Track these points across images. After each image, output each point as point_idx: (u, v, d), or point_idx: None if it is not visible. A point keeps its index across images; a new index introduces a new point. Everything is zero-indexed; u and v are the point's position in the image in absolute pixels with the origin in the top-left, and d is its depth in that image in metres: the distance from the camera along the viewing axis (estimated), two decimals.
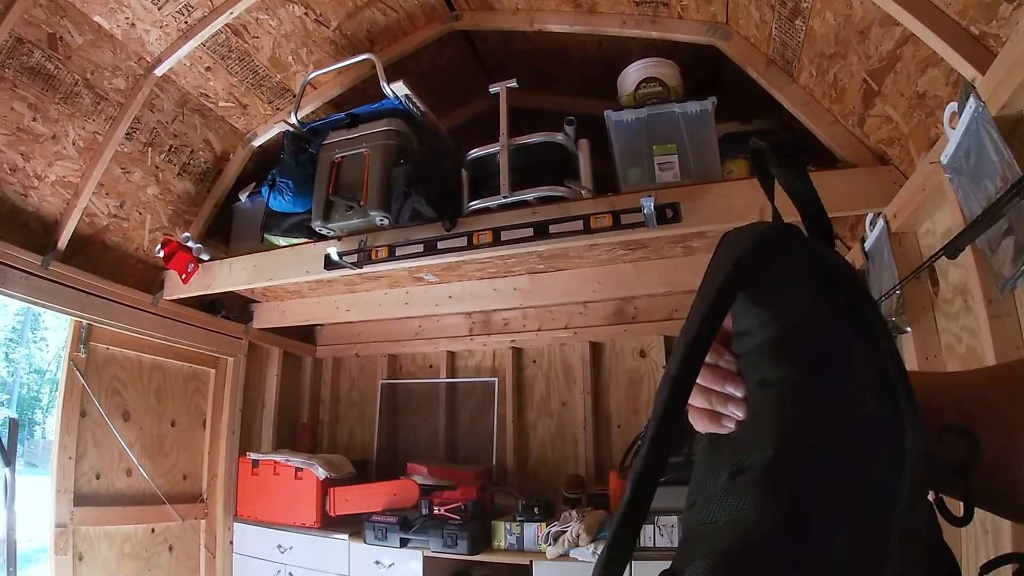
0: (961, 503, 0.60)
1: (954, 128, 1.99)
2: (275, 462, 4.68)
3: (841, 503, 0.49)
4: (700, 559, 0.47)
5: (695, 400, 0.66)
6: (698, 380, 0.63)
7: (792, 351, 0.58)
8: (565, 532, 3.86)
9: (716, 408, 0.65)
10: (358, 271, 3.64)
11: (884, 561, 0.46)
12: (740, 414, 0.60)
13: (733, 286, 0.53)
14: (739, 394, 0.61)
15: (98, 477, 4.03)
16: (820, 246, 0.63)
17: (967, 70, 1.97)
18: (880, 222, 2.76)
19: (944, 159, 2.07)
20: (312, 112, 4.16)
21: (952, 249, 2.09)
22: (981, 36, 1.95)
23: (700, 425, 0.67)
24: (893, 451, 0.50)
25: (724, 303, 0.53)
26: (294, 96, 3.98)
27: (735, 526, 0.49)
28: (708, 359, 0.65)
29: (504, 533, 4.21)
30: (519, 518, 4.21)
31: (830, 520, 0.48)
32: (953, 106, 2.01)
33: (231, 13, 3.41)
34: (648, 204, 2.95)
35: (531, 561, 3.99)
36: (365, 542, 4.29)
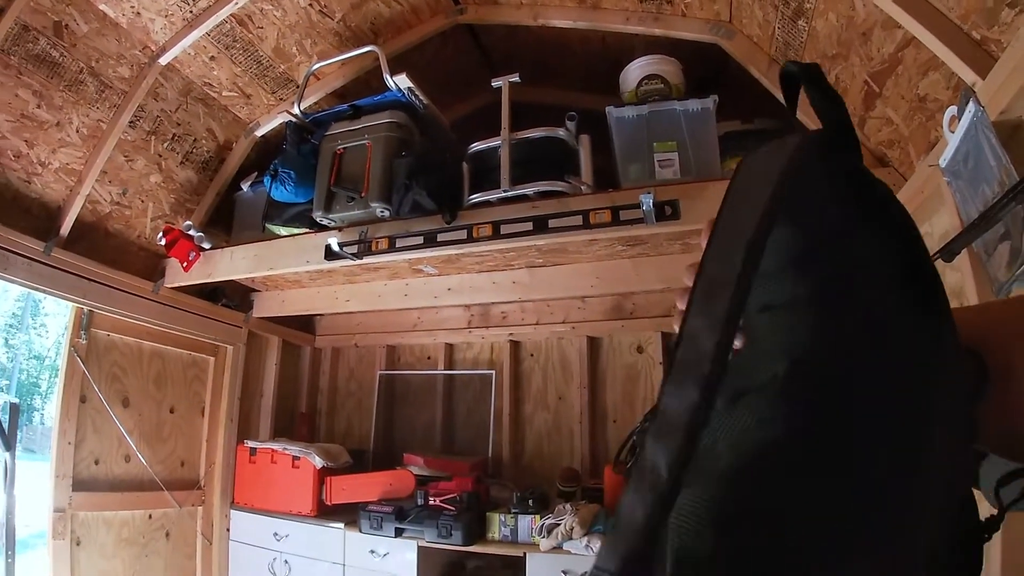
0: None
1: (953, 132, 2.00)
2: (272, 450, 4.69)
3: (867, 413, 0.45)
4: (694, 487, 0.43)
5: (682, 305, 0.64)
6: (687, 281, 0.63)
7: (810, 266, 0.55)
8: (559, 525, 3.88)
9: None
10: (358, 262, 3.65)
11: (915, 481, 0.44)
12: (738, 343, 0.59)
13: (785, 189, 0.46)
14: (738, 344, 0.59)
15: (97, 463, 4.05)
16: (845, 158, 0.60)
17: (968, 74, 1.98)
18: None
19: (943, 162, 2.08)
20: (315, 103, 4.18)
21: (948, 252, 2.10)
22: (982, 41, 1.96)
23: None
24: (922, 362, 0.48)
25: (776, 210, 0.46)
26: (297, 87, 3.99)
27: (737, 445, 0.46)
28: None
29: (498, 525, 4.22)
30: (513, 510, 4.22)
31: (859, 431, 0.44)
32: (953, 110, 2.02)
33: (236, 3, 3.43)
34: (647, 201, 2.96)
35: (524, 553, 4.00)
36: (360, 531, 4.30)
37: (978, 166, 1.89)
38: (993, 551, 2.06)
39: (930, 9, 2.03)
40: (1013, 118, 1.83)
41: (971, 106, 1.90)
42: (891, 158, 2.77)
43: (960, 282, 2.32)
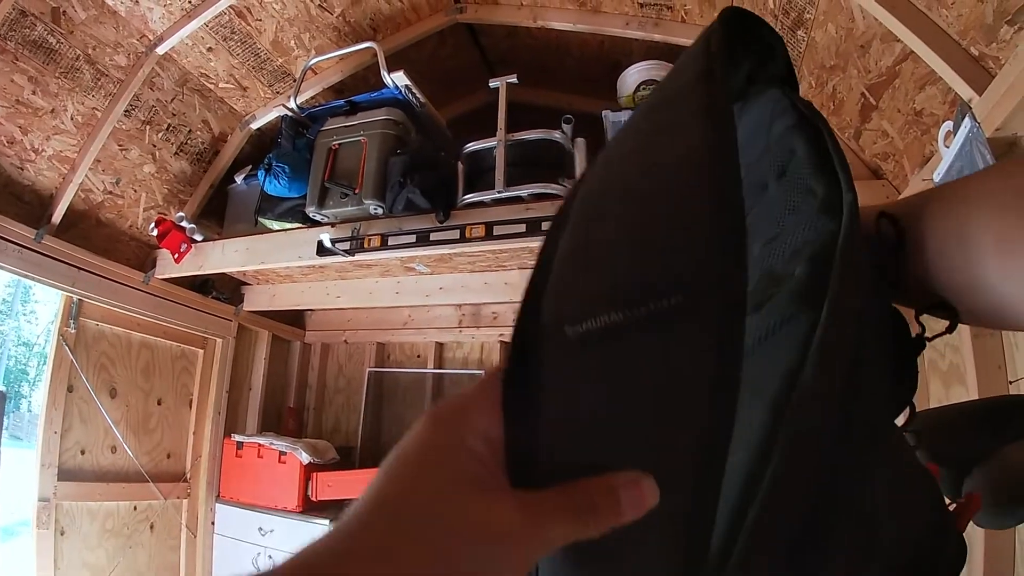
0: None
1: (948, 147, 2.01)
2: (259, 445, 4.68)
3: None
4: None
5: None
6: None
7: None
8: None
9: None
10: (350, 259, 3.64)
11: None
12: None
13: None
14: None
15: (83, 453, 4.03)
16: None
17: (964, 90, 1.99)
18: None
19: (936, 176, 2.09)
20: (312, 97, 4.17)
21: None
22: (980, 57, 1.97)
23: None
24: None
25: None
26: (294, 80, 3.98)
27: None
28: None
29: None
30: None
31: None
32: (948, 125, 2.03)
33: None
34: None
35: None
36: None
37: None
38: (975, 561, 2.07)
39: (929, 24, 2.03)
40: (1008, 135, 1.84)
41: (967, 122, 1.91)
42: (885, 171, 2.77)
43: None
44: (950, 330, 0.57)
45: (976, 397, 2.10)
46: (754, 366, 0.48)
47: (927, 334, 0.60)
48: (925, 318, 0.59)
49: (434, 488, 0.39)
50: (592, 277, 0.41)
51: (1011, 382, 2.11)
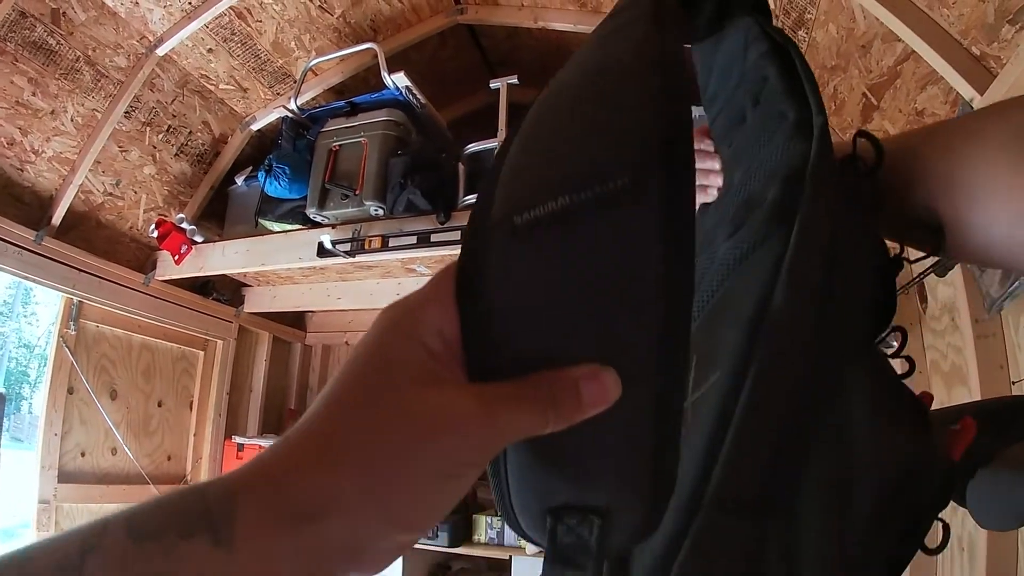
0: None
1: None
2: (260, 447, 4.66)
3: None
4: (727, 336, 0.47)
5: None
6: None
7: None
8: None
9: (702, 183, 0.76)
10: (351, 260, 3.64)
11: None
12: (719, 181, 0.66)
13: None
14: (716, 166, 0.68)
15: (83, 455, 4.02)
16: None
17: (966, 90, 1.99)
18: None
19: None
20: (312, 98, 4.16)
21: (941, 267, 2.10)
22: (981, 57, 1.96)
23: (697, 199, 0.72)
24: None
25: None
26: (295, 82, 3.97)
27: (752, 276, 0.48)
28: None
29: (485, 527, 4.23)
30: (501, 514, 4.21)
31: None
32: None
33: None
34: None
35: (510, 556, 4.01)
36: None
37: None
38: (977, 560, 2.07)
39: (930, 24, 2.03)
40: None
41: None
42: None
43: (953, 296, 2.33)
44: (934, 253, 0.58)
45: (978, 398, 2.10)
46: (732, 289, 0.50)
47: (906, 256, 0.61)
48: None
49: (385, 383, 0.38)
50: (538, 166, 0.41)
51: (1014, 383, 2.11)
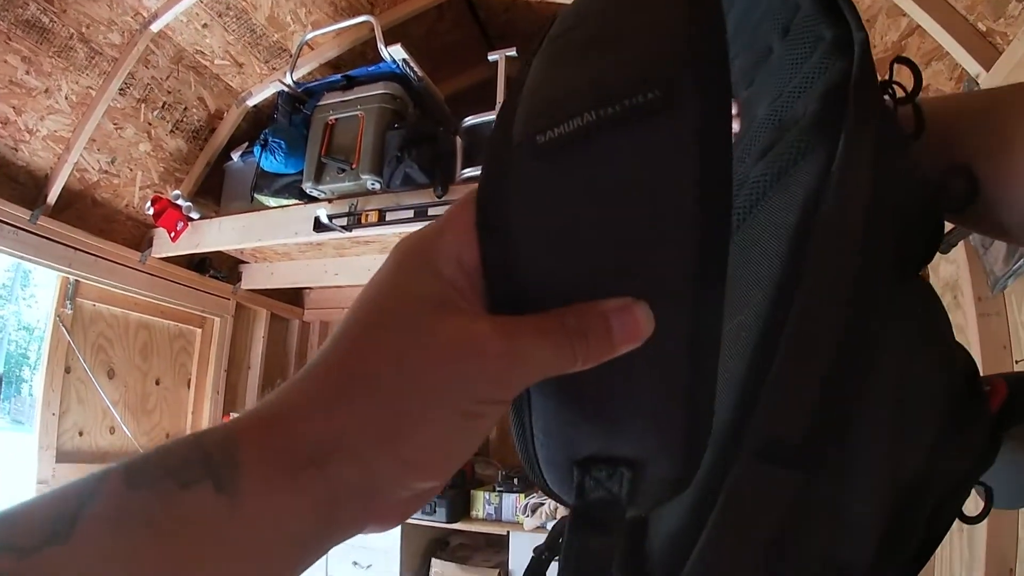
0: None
1: None
2: None
3: None
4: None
5: None
6: None
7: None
8: (543, 504, 3.89)
9: None
10: (348, 235, 3.62)
11: None
12: (736, 126, 0.62)
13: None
14: (734, 111, 0.62)
15: (81, 434, 4.02)
16: None
17: (972, 66, 1.97)
18: None
19: None
20: (308, 73, 4.13)
21: (945, 244, 2.09)
22: (988, 33, 1.94)
23: None
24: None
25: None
26: (291, 56, 3.94)
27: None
28: None
29: (483, 503, 4.23)
30: (498, 488, 4.24)
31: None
32: None
33: None
34: None
35: (508, 532, 4.02)
36: None
37: None
38: (977, 542, 2.06)
39: None
40: None
41: None
42: None
43: (955, 274, 2.32)
44: (970, 199, 0.55)
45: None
46: (769, 206, 0.47)
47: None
48: None
49: (398, 314, 0.35)
50: (562, 83, 0.38)
51: (1017, 361, 2.10)
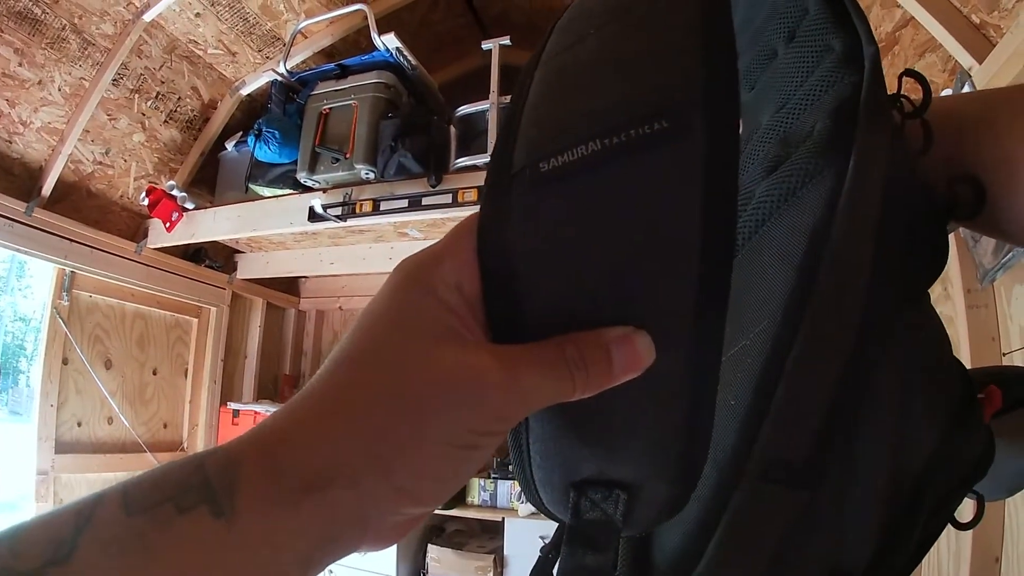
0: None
1: None
2: (255, 412, 4.69)
3: None
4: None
5: None
6: None
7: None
8: None
9: None
10: (342, 224, 3.62)
11: None
12: (739, 128, 0.61)
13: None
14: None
15: (79, 425, 4.03)
16: None
17: (965, 58, 1.98)
18: None
19: None
20: (302, 62, 4.12)
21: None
22: (981, 25, 1.95)
23: None
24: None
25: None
26: (284, 45, 3.94)
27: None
28: None
29: (478, 489, 4.26)
30: (493, 475, 4.26)
31: None
32: (947, 93, 2.01)
33: None
34: None
35: (503, 518, 4.05)
36: None
37: None
38: (964, 533, 2.08)
39: None
40: None
41: (967, 90, 1.89)
42: None
43: (945, 266, 2.33)
44: (977, 209, 0.54)
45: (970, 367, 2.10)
46: (774, 230, 0.46)
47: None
48: None
49: (397, 341, 0.35)
50: (564, 109, 0.38)
51: (1005, 354, 2.11)
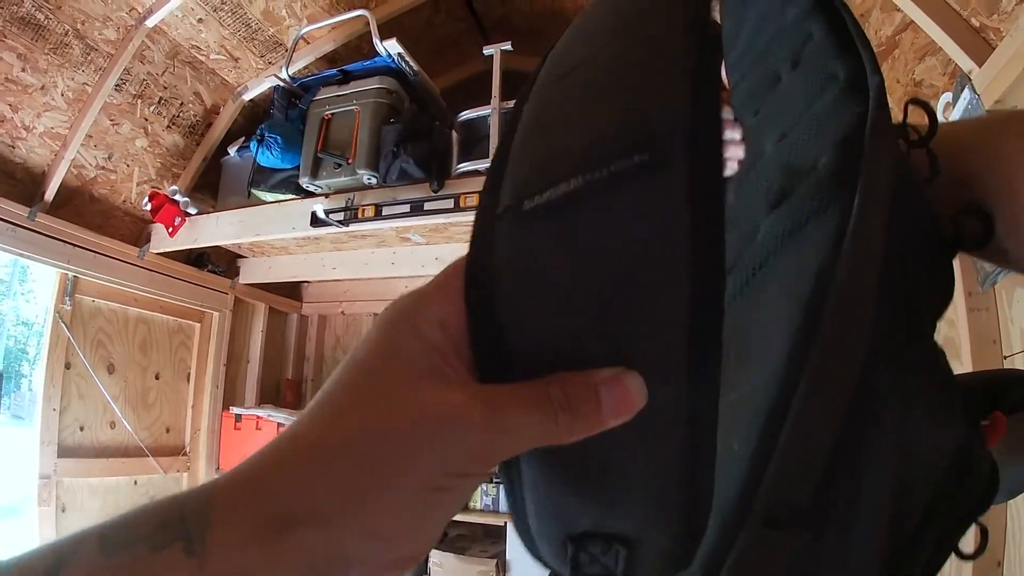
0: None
1: (948, 119, 2.00)
2: (258, 417, 4.68)
3: None
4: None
5: None
6: None
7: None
8: None
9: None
10: (344, 229, 3.62)
11: None
12: (740, 153, 0.59)
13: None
14: (737, 136, 0.60)
15: (82, 429, 4.03)
16: None
17: (965, 61, 1.98)
18: None
19: None
20: (304, 67, 4.13)
21: None
22: (981, 28, 1.95)
23: None
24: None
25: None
26: (286, 50, 3.94)
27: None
28: None
29: (480, 494, 4.26)
30: (496, 480, 4.24)
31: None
32: (948, 96, 2.02)
33: None
34: None
35: (505, 523, 4.05)
36: None
37: None
38: (966, 536, 2.08)
39: None
40: (1008, 107, 1.83)
41: (966, 93, 1.90)
42: None
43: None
44: (985, 239, 0.53)
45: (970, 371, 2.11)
46: (779, 268, 0.45)
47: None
48: None
49: (380, 379, 0.35)
50: (548, 145, 0.39)
51: (1005, 357, 2.11)
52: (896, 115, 0.52)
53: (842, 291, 0.41)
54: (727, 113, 0.66)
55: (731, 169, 0.59)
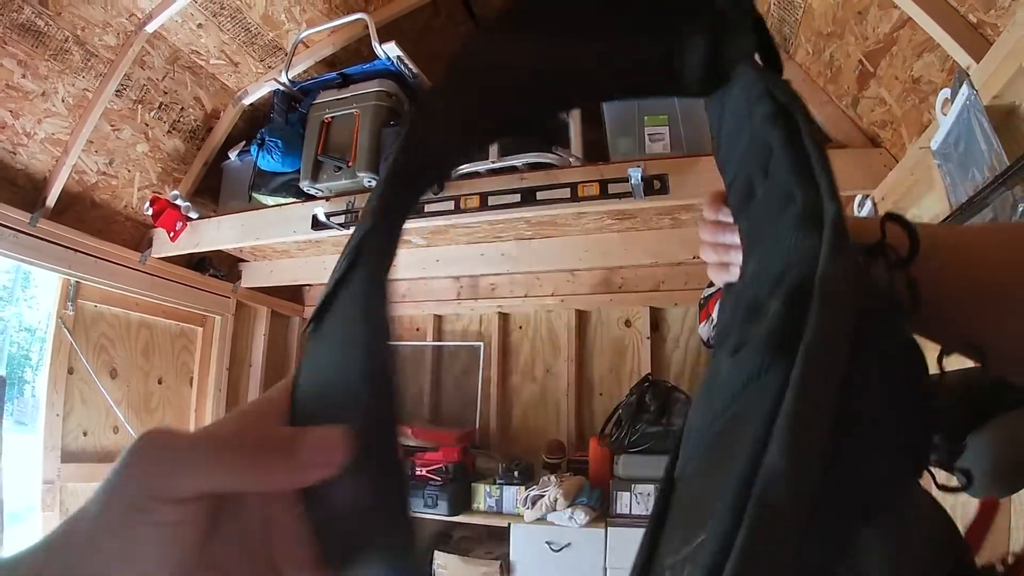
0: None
1: (946, 115, 2.00)
2: None
3: None
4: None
5: (707, 257, 0.73)
6: (703, 237, 0.71)
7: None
8: (543, 496, 3.91)
9: (723, 259, 0.70)
10: (346, 232, 3.62)
11: None
12: (739, 258, 0.60)
13: None
14: (736, 240, 0.59)
15: (85, 434, 4.05)
16: None
17: (963, 57, 1.98)
18: (868, 204, 2.77)
19: (934, 145, 2.08)
20: (304, 71, 4.12)
21: None
22: (978, 24, 1.95)
23: (718, 279, 0.73)
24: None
25: None
26: (286, 55, 3.95)
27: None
28: (707, 215, 0.70)
29: (484, 495, 4.27)
30: (499, 481, 4.27)
31: None
32: (946, 92, 2.02)
33: None
34: (635, 175, 2.95)
35: (509, 524, 4.05)
36: None
37: (969, 150, 1.89)
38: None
39: None
40: (1006, 103, 1.83)
41: (964, 89, 1.90)
42: (883, 139, 2.76)
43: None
44: (983, 374, 0.52)
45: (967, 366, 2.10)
46: (737, 419, 0.39)
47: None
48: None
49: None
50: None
51: None
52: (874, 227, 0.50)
53: (768, 482, 0.33)
54: (725, 214, 0.65)
55: (734, 274, 0.57)
